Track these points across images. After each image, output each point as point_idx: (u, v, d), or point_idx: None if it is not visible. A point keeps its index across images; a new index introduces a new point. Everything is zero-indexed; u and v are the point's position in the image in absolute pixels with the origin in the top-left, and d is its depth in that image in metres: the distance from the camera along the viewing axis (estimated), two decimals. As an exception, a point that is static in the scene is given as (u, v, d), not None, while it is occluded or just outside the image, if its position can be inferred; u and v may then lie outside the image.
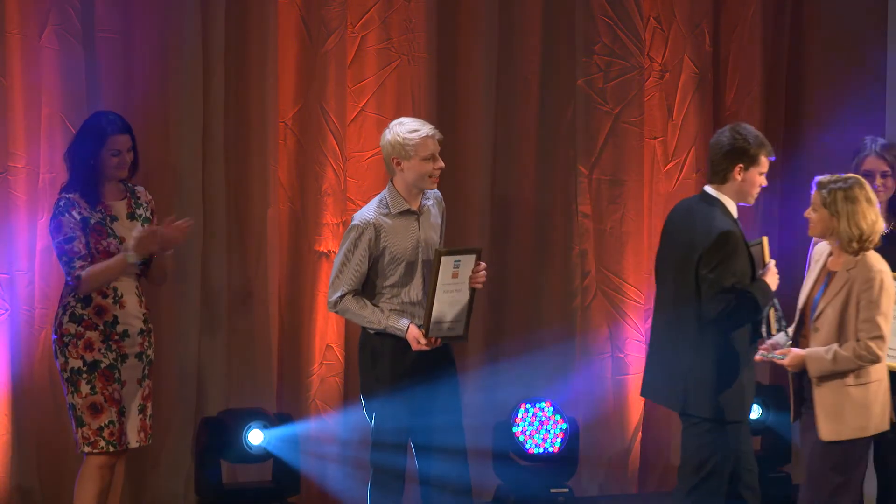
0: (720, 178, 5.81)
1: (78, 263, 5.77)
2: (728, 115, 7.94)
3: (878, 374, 5.63)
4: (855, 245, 5.63)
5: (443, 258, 5.86)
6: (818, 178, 5.74)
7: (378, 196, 6.07)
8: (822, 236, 5.73)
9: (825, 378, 5.61)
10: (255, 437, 6.84)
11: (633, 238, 7.79)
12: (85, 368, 5.82)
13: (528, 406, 7.24)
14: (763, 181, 5.83)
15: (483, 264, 5.96)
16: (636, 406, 7.78)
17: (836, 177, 5.71)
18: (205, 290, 7.15)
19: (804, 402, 5.71)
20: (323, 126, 7.30)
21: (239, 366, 7.26)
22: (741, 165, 5.76)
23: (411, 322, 5.90)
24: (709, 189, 5.81)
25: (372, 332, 5.99)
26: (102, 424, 5.83)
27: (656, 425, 7.80)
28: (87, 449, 5.85)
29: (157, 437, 7.13)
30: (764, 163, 5.80)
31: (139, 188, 6.12)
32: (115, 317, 5.88)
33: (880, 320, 5.58)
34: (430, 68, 7.43)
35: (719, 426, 5.74)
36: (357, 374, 7.42)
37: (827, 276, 5.77)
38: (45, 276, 6.95)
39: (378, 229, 5.95)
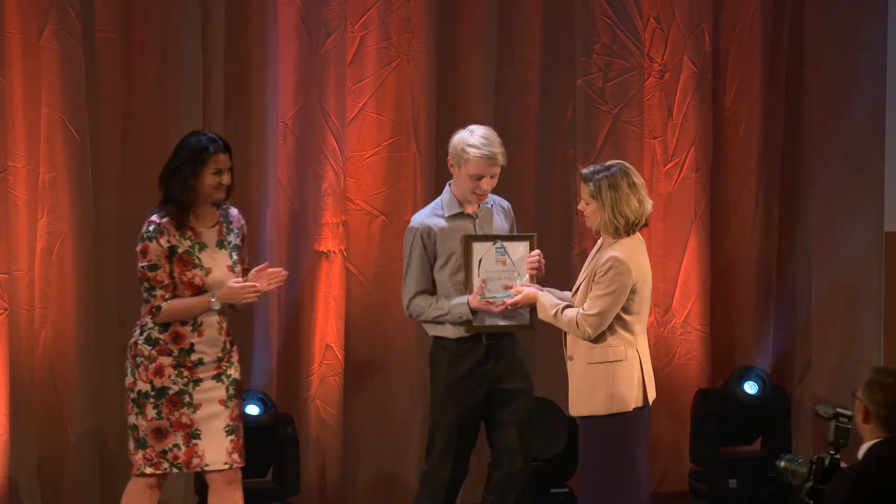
0: None
1: (159, 293, 5.64)
2: (728, 115, 7.95)
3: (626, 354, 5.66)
4: (621, 231, 5.61)
5: (473, 244, 5.87)
6: (582, 171, 5.73)
7: (438, 198, 6.07)
8: (597, 227, 5.70)
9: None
10: (252, 409, 6.90)
11: (633, 238, 7.78)
12: (153, 393, 5.66)
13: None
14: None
15: (538, 251, 5.92)
16: (636, 406, 7.78)
17: (601, 165, 5.71)
18: (205, 289, 7.14)
19: None
20: (323, 126, 7.30)
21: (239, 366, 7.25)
22: None
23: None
24: None
25: (435, 338, 6.01)
26: (167, 448, 5.68)
27: (655, 425, 7.79)
28: (148, 470, 5.69)
29: (157, 436, 7.15)
30: None
31: (233, 211, 5.88)
32: (192, 345, 5.72)
33: (603, 301, 5.54)
34: (429, 68, 7.43)
35: None
36: (357, 374, 7.48)
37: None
38: (45, 276, 6.96)
39: (430, 231, 5.96)
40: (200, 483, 6.90)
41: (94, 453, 7.05)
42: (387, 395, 7.49)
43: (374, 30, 7.40)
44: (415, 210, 7.38)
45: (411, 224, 6.02)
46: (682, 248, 7.83)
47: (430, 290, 5.98)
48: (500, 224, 6.05)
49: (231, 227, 5.81)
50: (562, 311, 5.66)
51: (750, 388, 7.63)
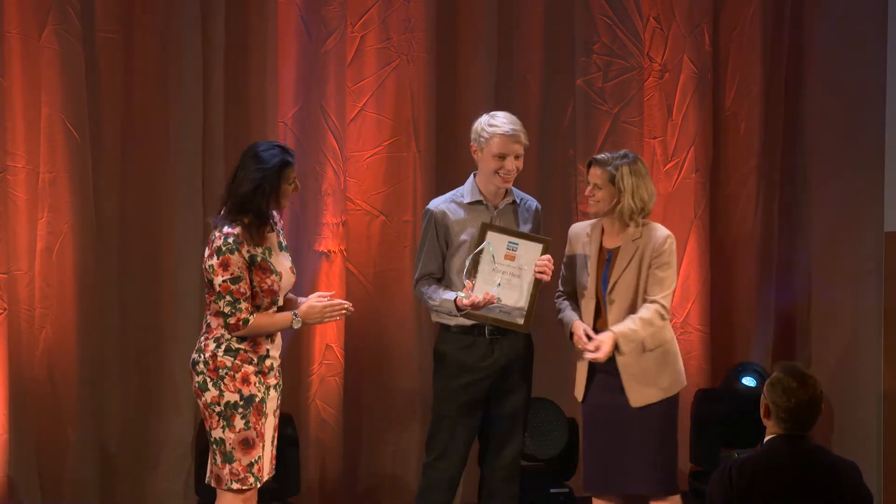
0: None
1: (243, 305, 5.58)
2: (728, 115, 7.95)
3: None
4: (636, 216, 5.74)
5: (489, 232, 5.87)
6: (597, 156, 5.88)
7: (461, 186, 6.11)
8: (605, 214, 5.81)
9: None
10: None
11: (633, 238, 7.79)
12: (241, 403, 5.60)
13: (528, 406, 7.24)
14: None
15: (548, 256, 5.93)
16: (636, 406, 7.78)
17: (616, 153, 5.82)
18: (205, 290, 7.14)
19: None
20: (323, 126, 7.31)
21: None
22: None
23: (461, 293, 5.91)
24: None
25: (440, 328, 6.04)
26: (253, 460, 5.62)
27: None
28: (235, 486, 5.63)
29: (157, 437, 7.15)
30: None
31: (273, 212, 5.85)
32: (268, 350, 5.70)
33: (671, 277, 5.84)
34: (429, 68, 7.43)
35: None
36: (357, 374, 7.48)
37: (608, 253, 5.88)
38: (45, 276, 6.96)
39: (445, 216, 5.98)
40: (200, 483, 6.91)
41: (94, 453, 7.05)
42: (387, 395, 7.49)
43: (374, 30, 7.40)
44: (415, 210, 7.40)
45: (428, 206, 6.06)
46: (681, 248, 7.83)
47: (438, 274, 6.01)
48: (521, 223, 6.06)
49: (277, 227, 5.81)
50: (640, 324, 5.77)
51: (748, 382, 7.65)
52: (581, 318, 5.96)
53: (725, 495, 4.56)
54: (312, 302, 5.71)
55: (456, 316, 5.93)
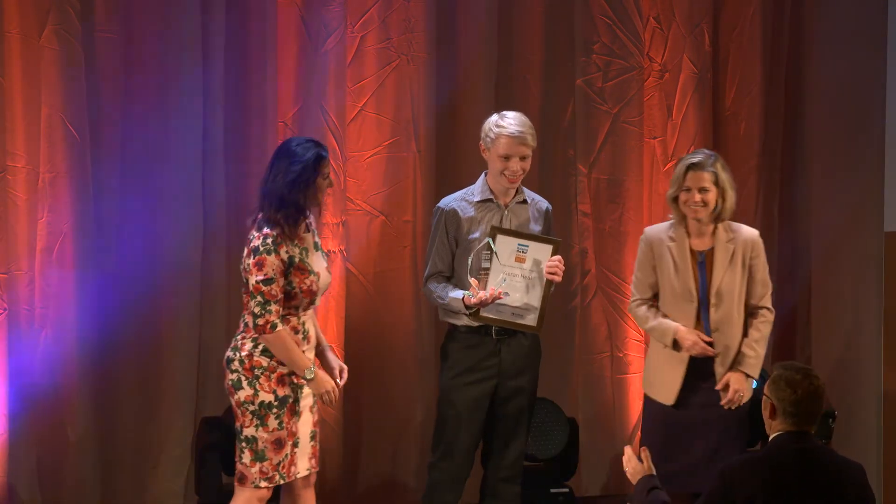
0: None
1: (273, 308, 5.52)
2: (728, 115, 7.95)
3: None
4: (725, 215, 5.92)
5: (498, 235, 5.87)
6: (694, 160, 5.88)
7: (472, 184, 6.12)
8: (713, 213, 5.86)
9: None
10: None
11: (633, 237, 7.79)
12: (276, 403, 5.59)
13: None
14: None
15: (559, 257, 5.93)
16: (636, 405, 7.78)
17: (703, 152, 5.94)
18: (205, 290, 7.15)
19: None
20: (323, 125, 7.30)
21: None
22: None
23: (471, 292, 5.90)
24: None
25: (447, 326, 6.04)
26: (281, 459, 5.62)
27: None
28: (263, 484, 5.61)
29: (157, 437, 7.14)
30: None
31: (309, 213, 5.81)
32: (304, 352, 5.68)
33: (768, 277, 5.95)
34: (429, 68, 7.43)
35: None
36: (357, 374, 7.48)
37: (700, 255, 5.87)
38: (45, 275, 6.96)
39: (455, 214, 5.98)
40: (200, 483, 6.90)
41: (94, 453, 7.05)
42: (387, 396, 7.49)
43: (374, 30, 7.40)
44: (415, 210, 7.40)
45: (439, 204, 6.07)
46: (682, 248, 7.83)
47: (448, 272, 6.01)
48: (532, 224, 6.06)
49: (311, 226, 5.78)
50: (759, 345, 5.88)
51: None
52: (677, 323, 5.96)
53: (728, 494, 4.55)
54: (329, 377, 5.68)
55: (465, 315, 5.92)
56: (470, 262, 5.95)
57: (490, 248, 5.88)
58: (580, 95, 7.69)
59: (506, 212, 6.01)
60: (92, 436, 7.03)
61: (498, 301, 5.87)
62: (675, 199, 5.94)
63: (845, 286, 7.93)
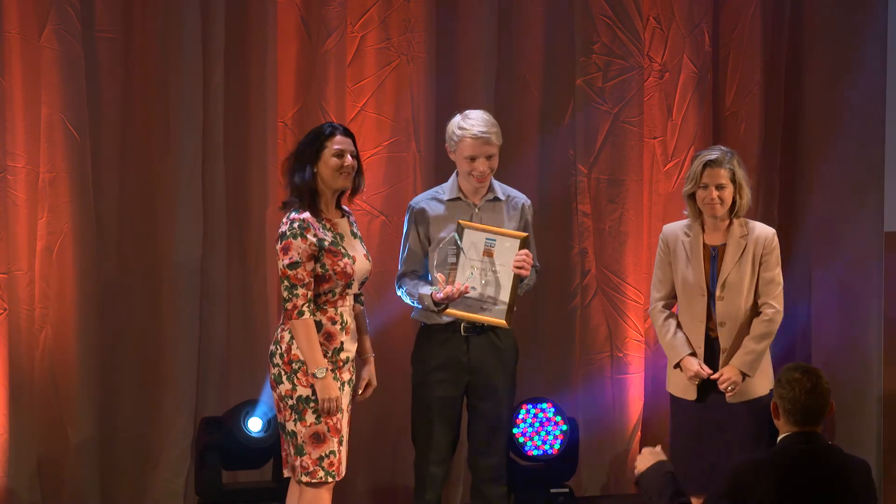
0: None
1: (300, 291, 5.48)
2: (728, 115, 7.95)
3: None
4: (741, 212, 5.92)
5: (465, 229, 5.86)
6: (710, 157, 5.88)
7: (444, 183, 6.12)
8: (724, 213, 5.87)
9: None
10: (255, 424, 6.83)
11: (633, 237, 7.79)
12: (314, 397, 5.55)
13: (529, 407, 7.23)
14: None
15: (526, 251, 5.92)
16: (636, 405, 7.78)
17: (719, 149, 5.94)
18: (205, 290, 7.15)
19: None
20: (323, 126, 7.31)
21: (239, 366, 7.26)
22: None
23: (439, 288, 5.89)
24: None
25: (419, 324, 6.04)
26: (323, 454, 5.59)
27: (656, 424, 7.80)
28: (304, 479, 5.60)
29: (157, 437, 7.14)
30: None
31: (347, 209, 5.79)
32: (342, 343, 5.65)
33: (780, 275, 5.99)
34: (429, 68, 7.43)
35: None
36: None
37: (713, 250, 5.89)
38: (45, 275, 6.96)
39: (424, 213, 5.98)
40: (200, 484, 6.90)
41: (95, 453, 7.05)
42: (386, 398, 7.47)
43: (374, 30, 7.40)
44: (415, 210, 7.40)
45: (410, 202, 6.08)
46: (682, 248, 7.83)
47: (421, 271, 6.01)
48: (504, 220, 6.04)
49: (351, 219, 5.76)
50: (758, 341, 5.90)
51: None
52: (689, 318, 5.96)
53: (736, 495, 4.55)
54: (336, 388, 5.59)
55: (433, 311, 5.91)
56: (436, 257, 5.94)
57: (457, 244, 5.88)
58: (580, 95, 7.69)
59: (476, 210, 6.00)
60: (92, 436, 7.03)
61: (466, 295, 5.86)
62: (692, 196, 5.94)
63: (845, 286, 7.92)
